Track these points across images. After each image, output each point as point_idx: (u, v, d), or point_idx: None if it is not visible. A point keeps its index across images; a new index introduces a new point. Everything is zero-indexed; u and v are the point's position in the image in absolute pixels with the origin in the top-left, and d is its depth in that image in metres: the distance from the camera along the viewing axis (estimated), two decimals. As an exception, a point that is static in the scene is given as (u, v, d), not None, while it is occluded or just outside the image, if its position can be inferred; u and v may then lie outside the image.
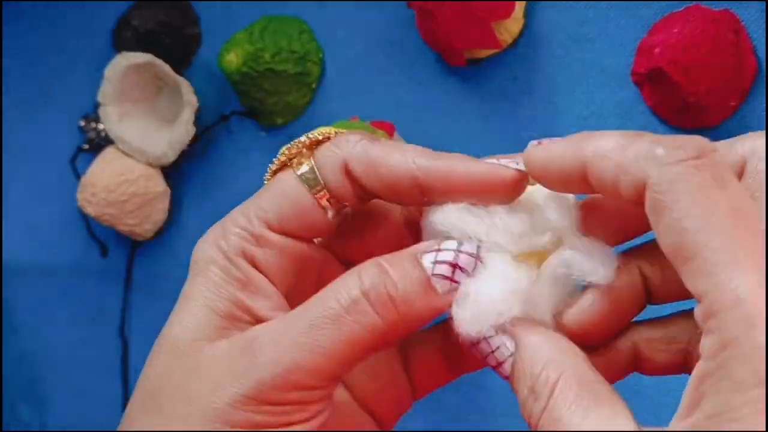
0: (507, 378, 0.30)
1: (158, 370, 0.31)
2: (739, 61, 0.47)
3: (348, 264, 0.33)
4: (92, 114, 0.69)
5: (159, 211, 0.67)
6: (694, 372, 0.25)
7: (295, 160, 0.33)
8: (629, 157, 0.27)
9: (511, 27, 0.54)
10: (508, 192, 0.31)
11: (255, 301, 0.31)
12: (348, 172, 0.32)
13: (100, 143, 0.68)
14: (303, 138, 0.34)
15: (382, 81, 0.59)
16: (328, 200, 0.33)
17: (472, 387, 0.55)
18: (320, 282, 0.32)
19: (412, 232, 0.35)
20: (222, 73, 0.62)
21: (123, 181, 0.65)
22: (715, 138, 0.49)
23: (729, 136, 0.49)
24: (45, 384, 0.74)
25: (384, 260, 0.30)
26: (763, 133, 0.29)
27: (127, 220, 0.66)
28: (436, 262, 0.30)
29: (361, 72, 0.60)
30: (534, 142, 0.31)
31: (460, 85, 0.57)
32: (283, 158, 0.33)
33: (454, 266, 0.30)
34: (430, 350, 0.35)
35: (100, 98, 0.65)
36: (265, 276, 0.32)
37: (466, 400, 0.56)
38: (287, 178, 0.33)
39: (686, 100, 0.48)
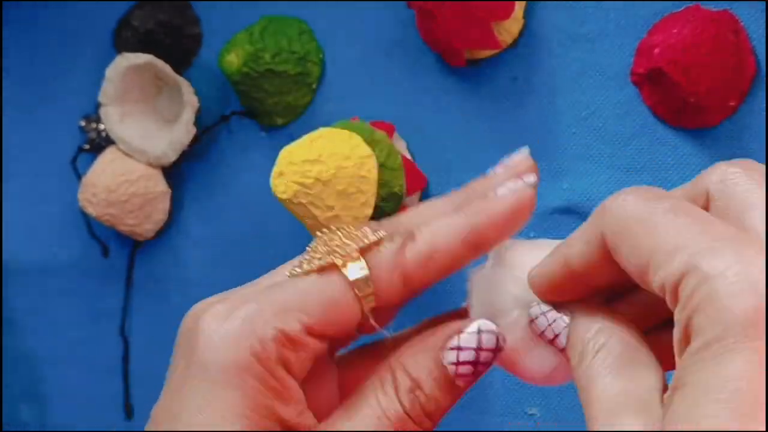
0: (562, 350, 0.30)
1: None
2: (738, 61, 0.48)
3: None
4: (93, 114, 0.69)
5: (159, 211, 0.67)
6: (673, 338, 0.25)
7: (339, 258, 0.32)
8: (584, 224, 0.29)
9: (510, 27, 0.54)
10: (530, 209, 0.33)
11: (286, 410, 0.30)
12: (404, 279, 0.32)
13: (100, 143, 0.68)
14: (351, 234, 0.32)
15: (382, 81, 0.59)
16: (372, 309, 0.32)
17: (472, 387, 0.55)
18: (319, 374, 0.33)
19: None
20: (222, 74, 0.62)
21: (124, 182, 0.65)
22: (715, 137, 0.49)
23: (728, 136, 0.49)
24: (45, 384, 0.74)
25: (411, 368, 0.31)
26: (723, 163, 0.30)
27: (128, 220, 0.66)
28: (458, 364, 0.31)
29: (361, 72, 0.60)
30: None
31: (460, 86, 0.57)
32: (331, 258, 0.32)
33: (476, 364, 0.31)
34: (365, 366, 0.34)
35: (100, 98, 0.65)
36: (296, 380, 0.31)
37: (466, 400, 0.56)
38: (336, 281, 0.31)
39: (686, 100, 0.48)
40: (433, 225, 0.33)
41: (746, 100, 0.48)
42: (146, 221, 0.67)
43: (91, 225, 0.70)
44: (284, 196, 0.51)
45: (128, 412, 0.69)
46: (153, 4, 0.65)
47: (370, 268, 0.31)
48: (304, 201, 0.51)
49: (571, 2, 0.53)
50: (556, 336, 0.30)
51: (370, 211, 0.52)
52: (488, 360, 0.31)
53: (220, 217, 0.66)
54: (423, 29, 0.55)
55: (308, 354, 0.31)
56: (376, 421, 0.31)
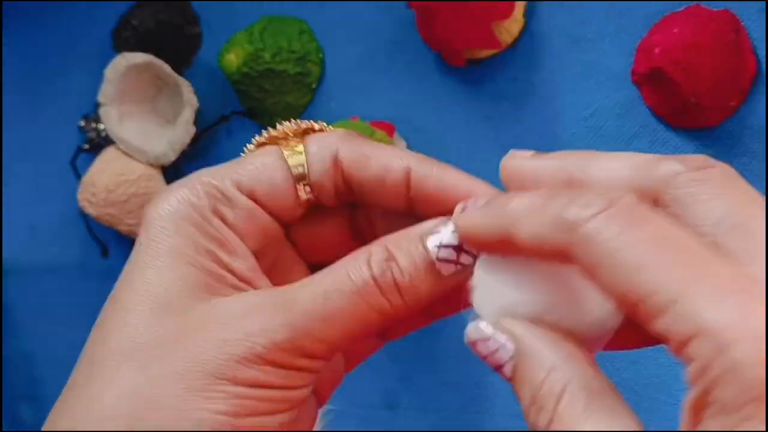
0: (509, 380, 0.28)
1: (141, 329, 0.30)
2: (739, 61, 0.47)
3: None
4: (92, 114, 0.69)
5: (159, 211, 0.67)
6: (685, 401, 0.24)
7: (283, 141, 0.33)
8: (546, 224, 0.26)
9: (510, 27, 0.54)
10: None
11: (234, 261, 0.31)
12: (336, 163, 0.32)
13: (100, 143, 0.68)
14: (296, 122, 0.33)
15: (382, 81, 0.59)
16: (305, 186, 0.32)
17: (472, 387, 0.55)
18: (276, 263, 0.33)
19: (358, 243, 0.34)
20: (222, 73, 0.62)
21: (123, 181, 0.65)
22: (716, 137, 0.49)
23: (729, 136, 0.49)
24: (45, 384, 0.74)
25: (391, 244, 0.30)
26: (674, 160, 0.27)
27: (128, 220, 0.66)
28: (441, 246, 0.30)
29: (361, 72, 0.60)
30: (459, 207, 0.30)
31: (460, 86, 0.57)
32: (272, 134, 0.33)
33: (459, 249, 0.29)
34: None
35: (100, 98, 0.65)
36: (237, 235, 0.31)
37: (466, 400, 0.56)
38: (272, 152, 0.32)
39: (686, 99, 0.48)
40: (393, 147, 0.33)
41: (746, 99, 0.48)
42: (146, 221, 0.67)
43: (90, 225, 0.70)
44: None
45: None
46: (153, 4, 0.65)
47: (306, 148, 0.32)
48: (304, 201, 0.51)
49: (571, 2, 0.53)
50: (500, 366, 0.28)
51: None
52: (471, 250, 0.29)
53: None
54: (423, 29, 0.55)
55: (244, 212, 0.31)
56: (338, 280, 0.29)
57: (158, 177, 0.66)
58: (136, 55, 0.63)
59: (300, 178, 0.32)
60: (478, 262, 0.29)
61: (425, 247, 0.30)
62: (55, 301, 0.73)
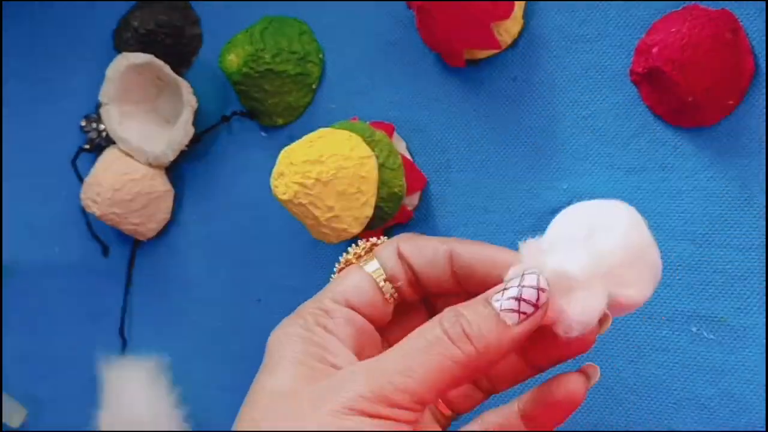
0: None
1: (257, 414, 0.35)
2: (737, 60, 0.48)
3: None
4: (93, 114, 0.69)
5: (163, 210, 0.67)
6: None
7: (357, 260, 0.40)
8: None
9: (510, 28, 0.54)
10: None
11: (335, 358, 0.36)
12: (401, 256, 0.39)
13: (101, 143, 0.68)
14: (363, 242, 0.40)
15: (382, 81, 0.59)
16: (386, 283, 0.39)
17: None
18: (377, 348, 0.39)
19: None
20: (222, 74, 0.62)
21: (128, 181, 0.65)
22: (714, 136, 0.49)
23: (727, 135, 0.49)
24: (45, 384, 0.74)
25: (459, 306, 0.35)
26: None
27: (132, 219, 0.66)
28: (502, 300, 0.35)
29: (361, 72, 0.60)
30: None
31: (460, 86, 0.57)
32: (347, 258, 0.40)
33: (519, 300, 0.34)
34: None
35: (101, 98, 0.65)
36: (338, 340, 0.37)
37: (465, 400, 0.56)
38: (352, 271, 0.39)
39: (684, 99, 0.48)
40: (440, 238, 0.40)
41: (745, 98, 0.49)
42: (149, 220, 0.67)
43: (91, 225, 0.70)
44: (285, 197, 0.51)
45: (128, 411, 0.70)
46: (153, 5, 0.65)
47: (377, 255, 0.39)
48: (304, 201, 0.51)
49: (570, 2, 0.53)
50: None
51: (370, 211, 0.52)
52: (531, 296, 0.34)
53: (220, 217, 0.66)
54: (423, 30, 0.55)
55: (342, 319, 0.38)
56: (414, 339, 0.34)
57: (161, 176, 0.66)
58: (137, 55, 0.63)
59: (381, 280, 0.39)
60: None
61: (488, 303, 0.35)
62: (55, 300, 0.73)
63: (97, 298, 0.71)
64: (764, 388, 0.48)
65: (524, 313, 0.34)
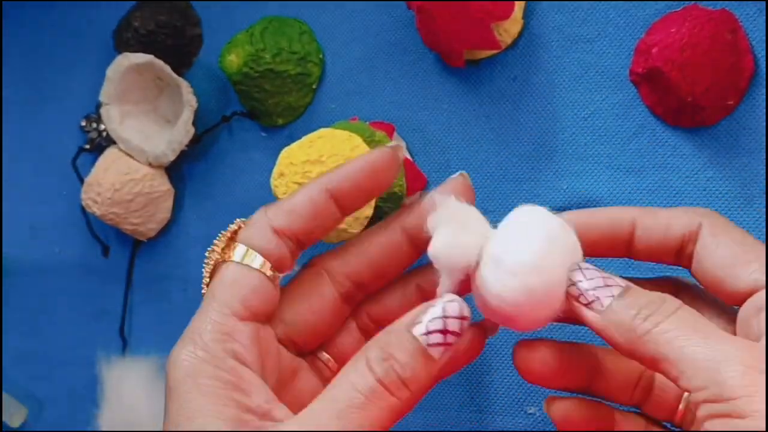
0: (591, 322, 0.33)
1: None
2: (736, 60, 0.48)
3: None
4: (94, 114, 0.69)
5: (163, 210, 0.67)
6: None
7: (225, 252, 0.37)
8: (679, 210, 0.35)
9: (510, 28, 0.54)
10: (395, 170, 0.38)
11: (252, 399, 0.34)
12: (276, 230, 0.37)
13: (101, 143, 0.68)
14: (222, 233, 0.38)
15: (382, 82, 0.59)
16: (271, 269, 0.37)
17: (471, 386, 0.55)
18: (278, 359, 0.37)
19: (350, 306, 0.40)
20: (223, 74, 0.62)
21: (128, 180, 0.65)
22: (714, 136, 0.49)
23: (727, 135, 0.49)
24: (45, 384, 0.74)
25: (383, 342, 0.33)
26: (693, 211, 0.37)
27: (132, 219, 0.66)
28: (428, 333, 0.33)
29: (361, 73, 0.60)
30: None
31: (460, 86, 0.57)
32: (212, 253, 0.38)
33: (444, 332, 0.33)
34: None
35: (102, 98, 0.65)
36: (249, 368, 0.35)
37: (465, 399, 0.56)
38: (229, 267, 0.37)
39: (684, 99, 0.48)
40: (300, 187, 0.39)
41: (744, 99, 0.49)
42: (150, 220, 0.67)
43: (91, 225, 0.70)
44: (285, 197, 0.51)
45: (128, 411, 0.70)
46: (154, 5, 0.65)
47: (245, 243, 0.37)
48: (304, 201, 0.51)
49: (570, 3, 0.53)
50: (607, 286, 0.33)
51: (370, 212, 0.52)
52: (456, 327, 0.33)
53: (220, 217, 0.66)
54: (423, 30, 0.55)
55: (247, 340, 0.35)
56: (348, 396, 0.32)
57: (162, 177, 0.66)
58: (137, 56, 0.63)
59: (262, 266, 0.37)
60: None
61: (414, 338, 0.33)
62: (55, 300, 0.73)
63: (97, 298, 0.71)
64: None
65: (449, 344, 0.33)
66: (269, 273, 0.37)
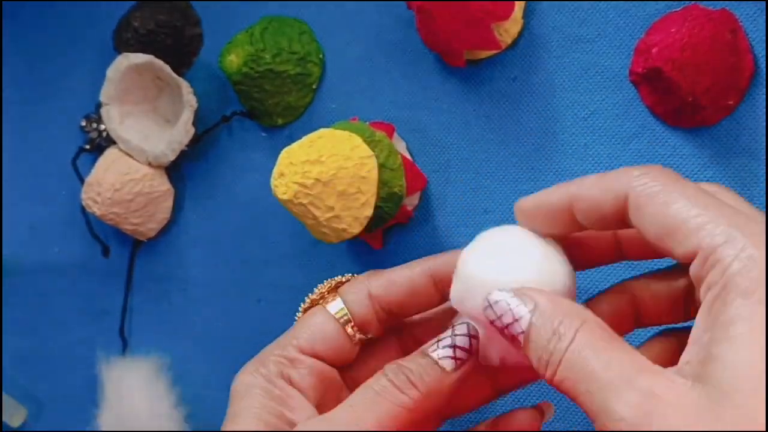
0: (520, 342, 0.34)
1: None
2: (736, 60, 0.48)
3: None
4: (93, 114, 0.69)
5: (163, 210, 0.67)
6: (705, 300, 0.30)
7: (322, 300, 0.42)
8: (610, 178, 0.34)
9: (510, 28, 0.54)
10: None
11: (294, 413, 0.38)
12: (372, 298, 0.41)
13: (101, 143, 0.68)
14: (328, 281, 0.43)
15: (382, 81, 0.59)
16: (353, 328, 0.41)
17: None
18: (339, 397, 0.40)
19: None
20: (223, 74, 0.62)
21: (128, 180, 0.65)
22: (714, 136, 0.49)
23: (727, 135, 0.49)
24: (45, 384, 0.74)
25: (400, 360, 0.38)
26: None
27: (132, 219, 0.66)
28: (438, 350, 0.38)
29: (361, 73, 0.60)
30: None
31: (460, 86, 0.57)
32: (312, 298, 0.42)
33: (453, 347, 0.38)
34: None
35: (101, 98, 0.66)
36: (300, 392, 0.39)
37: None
38: (317, 312, 0.41)
39: (684, 99, 0.48)
40: (404, 265, 0.43)
41: (745, 99, 0.49)
42: (150, 220, 0.67)
43: (91, 225, 0.70)
44: (285, 197, 0.51)
45: (128, 411, 0.70)
46: (153, 5, 0.65)
47: (342, 297, 0.42)
48: (304, 201, 0.51)
49: (570, 3, 0.53)
50: (515, 321, 0.34)
51: (370, 212, 0.52)
52: (464, 344, 0.37)
53: (220, 217, 0.66)
54: (423, 30, 0.55)
55: (306, 370, 0.40)
56: (361, 392, 0.37)
57: (162, 177, 0.66)
58: (137, 56, 0.63)
59: (346, 323, 0.41)
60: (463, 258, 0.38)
61: (427, 354, 0.38)
62: (55, 300, 0.73)
63: (97, 298, 0.71)
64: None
65: (460, 359, 0.37)
66: (350, 331, 0.41)
